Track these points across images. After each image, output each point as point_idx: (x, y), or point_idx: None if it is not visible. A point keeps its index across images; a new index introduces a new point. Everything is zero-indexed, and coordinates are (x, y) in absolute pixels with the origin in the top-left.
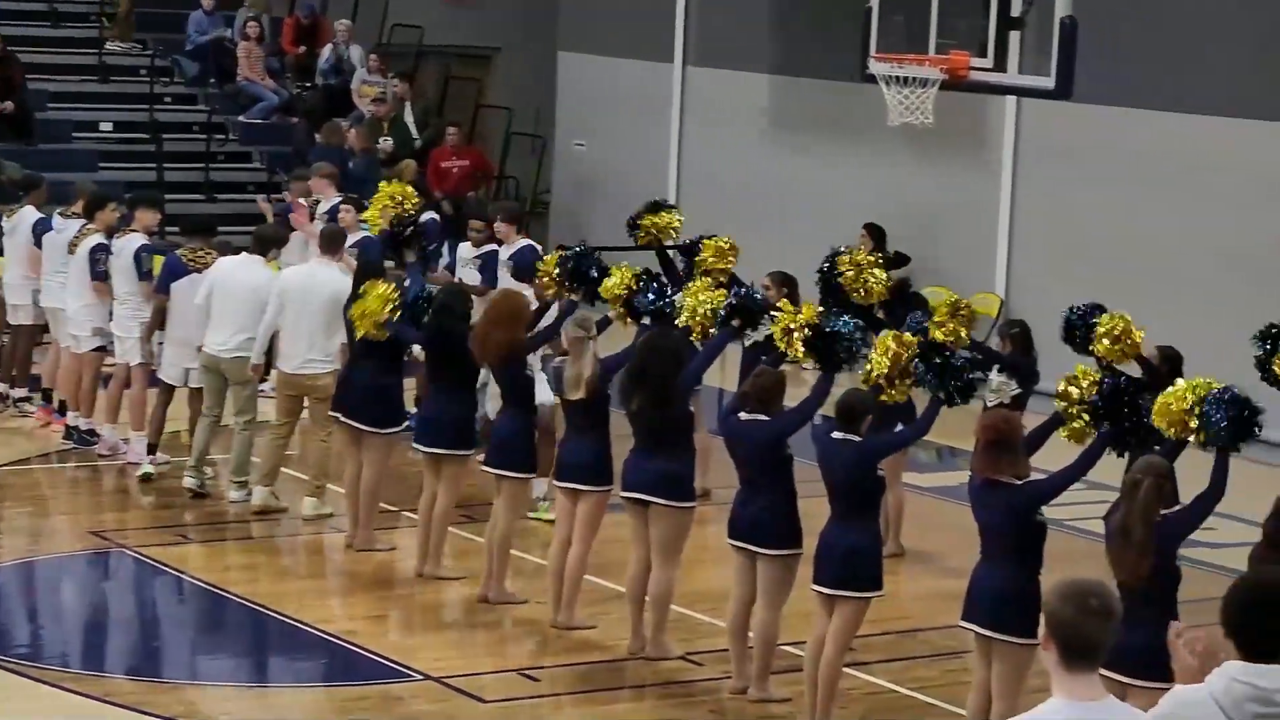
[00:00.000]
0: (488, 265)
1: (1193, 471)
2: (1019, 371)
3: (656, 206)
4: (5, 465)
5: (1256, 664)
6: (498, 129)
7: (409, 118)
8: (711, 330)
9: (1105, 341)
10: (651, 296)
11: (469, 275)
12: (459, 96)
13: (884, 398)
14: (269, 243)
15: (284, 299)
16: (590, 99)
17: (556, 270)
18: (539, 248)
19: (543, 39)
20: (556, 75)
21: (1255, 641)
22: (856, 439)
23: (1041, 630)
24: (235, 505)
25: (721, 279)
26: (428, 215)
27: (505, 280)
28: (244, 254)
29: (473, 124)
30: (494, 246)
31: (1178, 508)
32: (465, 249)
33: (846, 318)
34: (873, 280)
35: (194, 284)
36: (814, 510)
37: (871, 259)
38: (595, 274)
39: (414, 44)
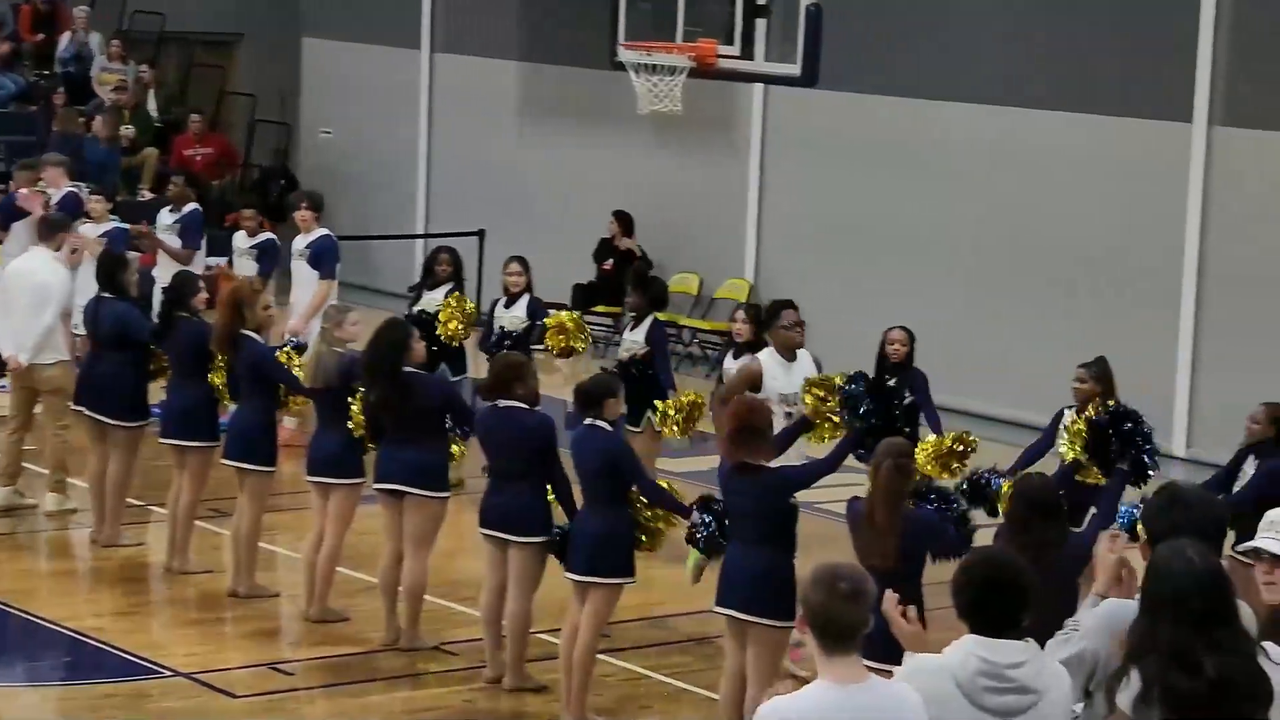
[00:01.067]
0: (266, 254)
1: None
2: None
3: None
4: None
5: (990, 638)
6: (242, 116)
7: (151, 105)
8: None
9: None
10: None
11: (245, 265)
12: (202, 84)
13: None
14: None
15: (6, 291)
16: (336, 86)
17: None
18: (334, 236)
19: (287, 25)
20: (301, 62)
21: (986, 617)
22: (604, 425)
23: (799, 616)
24: None
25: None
26: (191, 207)
27: (301, 268)
28: None
29: (216, 111)
30: (270, 235)
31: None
32: (240, 238)
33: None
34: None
35: None
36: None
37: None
38: None
39: (155, 31)
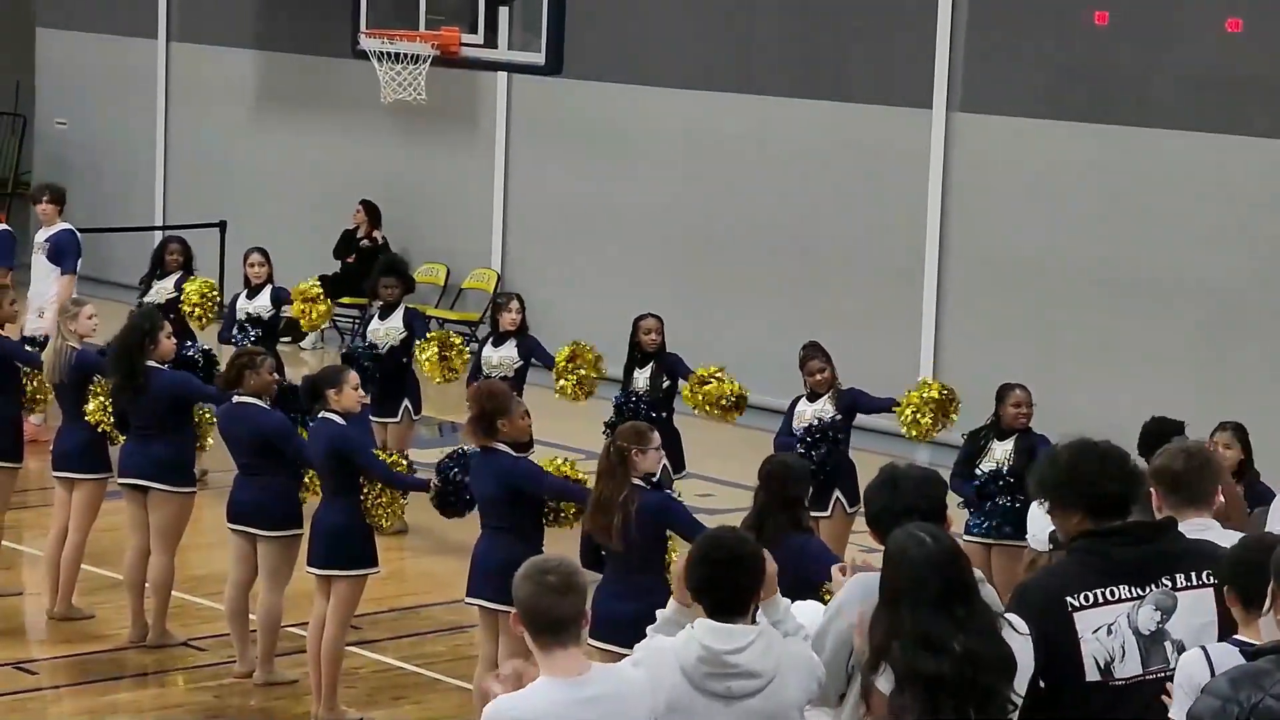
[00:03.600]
0: (1, 246)
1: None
2: (519, 344)
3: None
4: None
5: (721, 621)
6: None
7: None
8: None
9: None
10: None
11: None
12: None
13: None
14: None
15: None
16: (71, 76)
17: None
18: (76, 231)
19: (19, 14)
20: (35, 51)
21: (716, 598)
22: (333, 416)
23: (513, 614)
24: None
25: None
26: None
27: (40, 262)
28: None
29: None
30: (6, 228)
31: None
32: None
33: None
34: None
35: None
36: None
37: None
38: None
39: None
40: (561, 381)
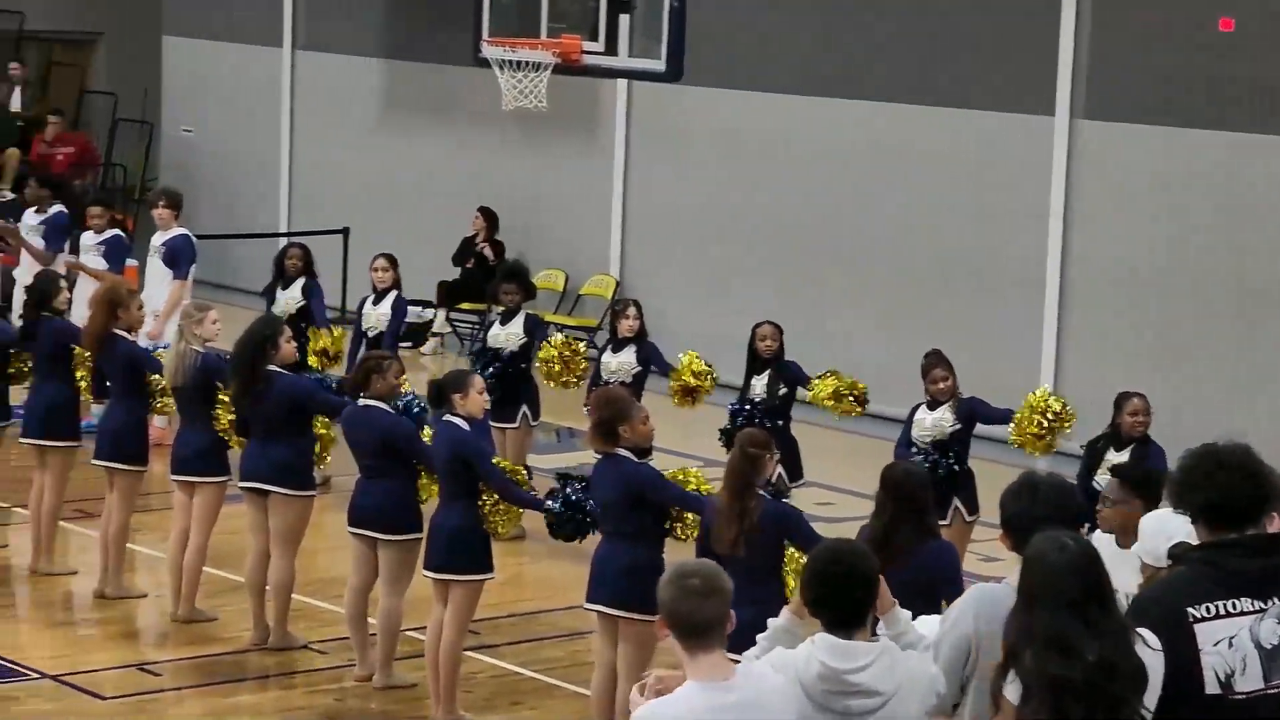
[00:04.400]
0: (113, 251)
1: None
2: (638, 350)
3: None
4: None
5: (839, 637)
6: (103, 115)
7: (16, 103)
8: None
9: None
10: None
11: (94, 262)
12: (62, 83)
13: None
14: None
15: None
16: (198, 84)
17: None
18: (192, 236)
19: (147, 23)
20: (162, 60)
21: (835, 612)
22: (457, 420)
23: (659, 618)
24: None
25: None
26: (56, 209)
27: (155, 266)
28: None
29: (77, 111)
30: (118, 233)
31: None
32: (88, 237)
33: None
34: None
35: None
36: None
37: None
38: None
39: (14, 30)
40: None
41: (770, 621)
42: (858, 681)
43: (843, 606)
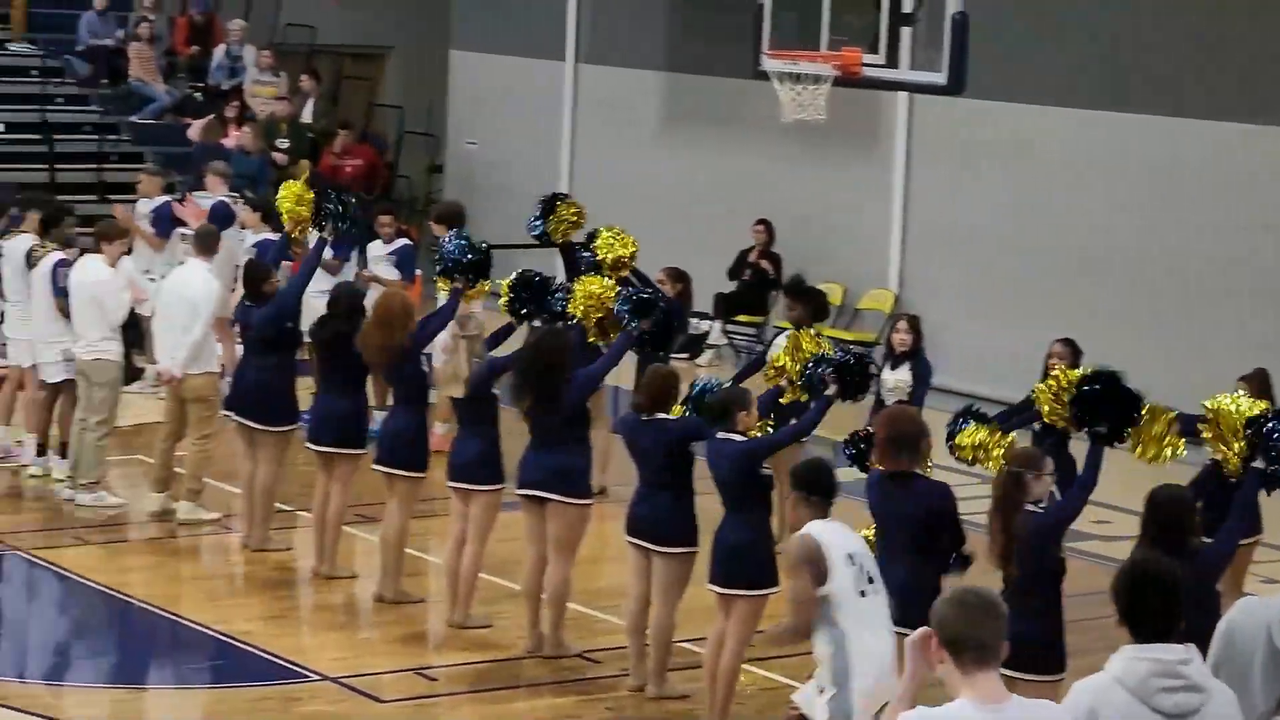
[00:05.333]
0: (404, 261)
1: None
2: (913, 366)
3: (555, 199)
4: None
5: (1152, 644)
6: (390, 128)
7: (307, 116)
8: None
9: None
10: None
11: (385, 271)
12: (351, 96)
13: (784, 399)
14: (111, 237)
15: (163, 303)
16: (483, 97)
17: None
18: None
19: (435, 37)
20: (449, 73)
21: (1146, 623)
22: (737, 437)
23: (934, 640)
24: (111, 509)
25: (622, 273)
26: (219, 199)
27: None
28: (90, 254)
29: (365, 123)
30: (407, 242)
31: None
32: (376, 246)
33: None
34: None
35: (36, 277)
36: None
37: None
38: (471, 259)
39: (307, 44)
40: None
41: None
42: (1187, 674)
43: (1158, 617)
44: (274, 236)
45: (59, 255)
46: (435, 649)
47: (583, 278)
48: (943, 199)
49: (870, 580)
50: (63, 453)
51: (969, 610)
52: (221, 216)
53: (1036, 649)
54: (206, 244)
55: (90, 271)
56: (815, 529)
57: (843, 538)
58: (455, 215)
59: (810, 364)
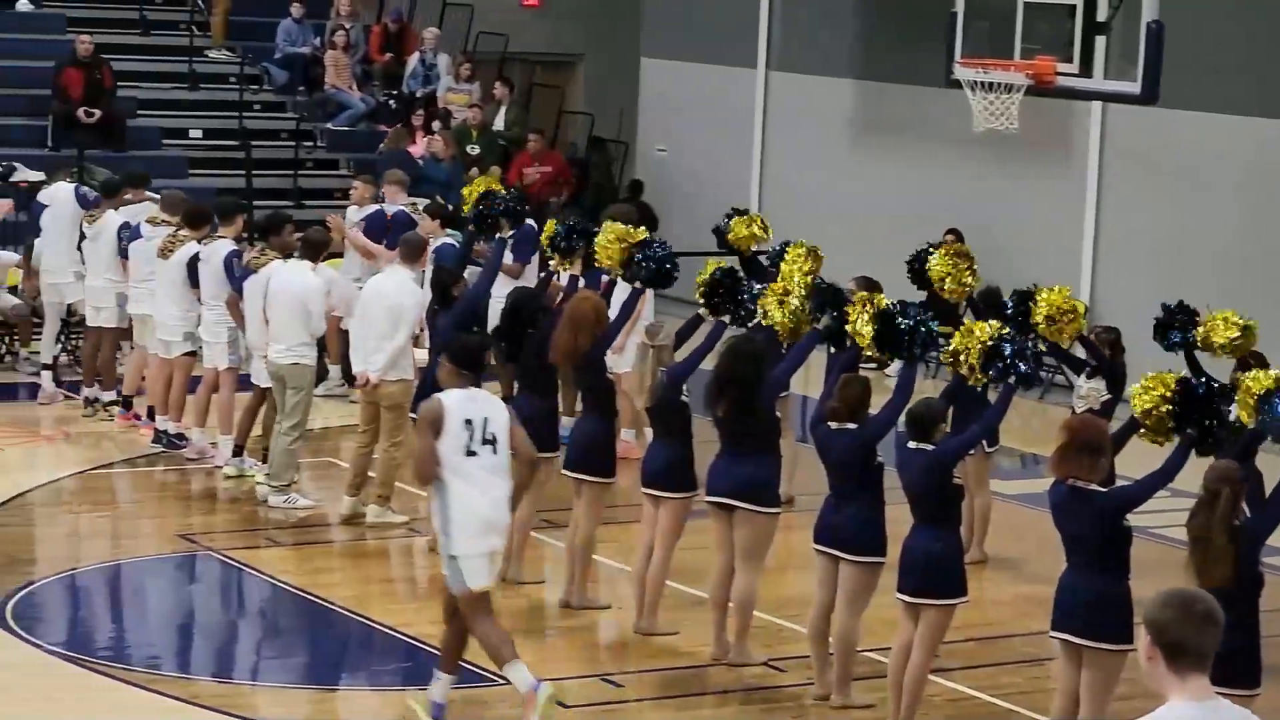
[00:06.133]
0: (522, 241)
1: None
2: (1108, 377)
3: (739, 213)
4: (93, 469)
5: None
6: (580, 135)
7: (499, 123)
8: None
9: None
10: (658, 256)
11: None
12: (542, 103)
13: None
14: (316, 248)
15: (362, 307)
16: (672, 104)
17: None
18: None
19: (625, 45)
20: (639, 81)
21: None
22: (928, 448)
23: (1144, 642)
24: (302, 511)
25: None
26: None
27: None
28: (293, 260)
29: (555, 130)
30: (530, 222)
31: (1264, 513)
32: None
33: (915, 307)
34: (956, 278)
35: (255, 285)
36: (905, 517)
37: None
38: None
39: (499, 51)
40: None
41: None
42: None
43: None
44: (454, 242)
45: (194, 247)
46: (621, 655)
47: (774, 287)
48: (1135, 209)
49: (487, 443)
50: (263, 456)
51: (1193, 618)
52: (402, 225)
53: (1230, 662)
54: (413, 251)
55: (296, 277)
56: (444, 395)
57: (467, 405)
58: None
59: (996, 348)
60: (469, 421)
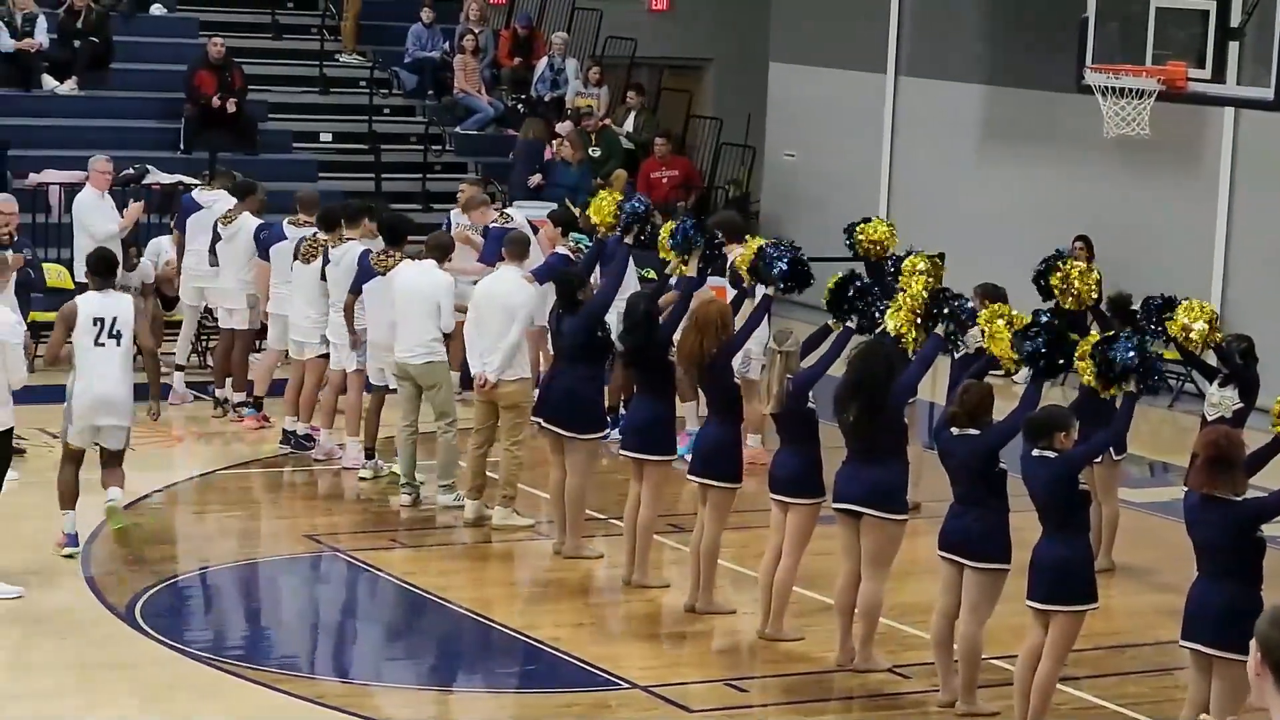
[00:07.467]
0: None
1: None
2: (1241, 386)
3: (867, 221)
4: (223, 469)
5: None
6: (708, 139)
7: (629, 128)
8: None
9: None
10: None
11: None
12: (670, 107)
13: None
14: (442, 250)
15: (478, 309)
16: (801, 109)
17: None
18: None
19: (754, 50)
20: (767, 86)
21: None
22: (1052, 455)
23: (1254, 658)
24: (449, 510)
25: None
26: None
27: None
28: (420, 261)
29: (683, 134)
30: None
31: None
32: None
33: (1050, 321)
34: (1081, 287)
35: (382, 286)
36: (1031, 524)
37: (1084, 266)
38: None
39: (627, 56)
40: None
41: None
42: None
43: None
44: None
45: (405, 263)
46: (747, 660)
47: (900, 298)
48: (1268, 216)
49: (113, 337)
50: (368, 454)
51: None
52: (496, 239)
53: None
54: (518, 250)
55: (424, 276)
56: (85, 295)
57: (99, 306)
58: (731, 226)
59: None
60: (98, 320)
